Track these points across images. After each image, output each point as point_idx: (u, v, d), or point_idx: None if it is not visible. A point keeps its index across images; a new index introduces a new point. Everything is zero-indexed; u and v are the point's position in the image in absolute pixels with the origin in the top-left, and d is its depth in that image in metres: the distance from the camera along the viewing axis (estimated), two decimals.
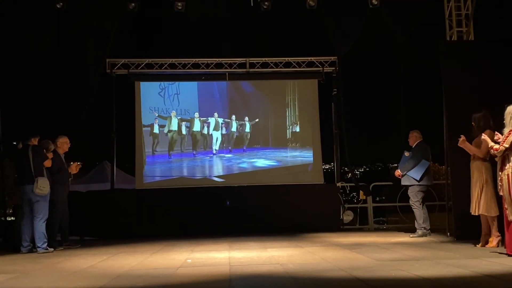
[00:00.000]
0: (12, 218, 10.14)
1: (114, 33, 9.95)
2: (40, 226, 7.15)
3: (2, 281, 4.65)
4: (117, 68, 11.73)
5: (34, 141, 7.45)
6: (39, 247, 7.12)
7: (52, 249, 7.25)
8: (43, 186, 7.16)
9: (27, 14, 9.36)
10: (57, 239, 7.85)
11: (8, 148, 8.32)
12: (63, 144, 8.03)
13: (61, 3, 9.24)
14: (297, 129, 12.21)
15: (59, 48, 10.90)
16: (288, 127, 12.20)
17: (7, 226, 8.92)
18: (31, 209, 7.22)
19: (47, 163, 7.41)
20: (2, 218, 8.97)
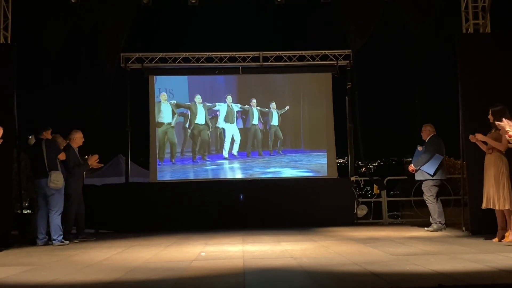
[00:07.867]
0: (28, 211, 10.27)
1: (128, 28, 9.98)
2: (56, 219, 7.21)
3: (18, 273, 4.70)
4: (131, 62, 11.78)
5: (47, 135, 7.48)
6: (54, 240, 7.18)
7: (67, 242, 7.32)
8: (56, 179, 7.21)
9: (42, 10, 9.41)
10: (73, 232, 7.93)
11: (24, 142, 8.40)
12: (78, 138, 8.08)
13: None
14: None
15: (74, 42, 10.96)
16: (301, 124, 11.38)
17: (24, 219, 9.03)
18: (46, 203, 7.29)
19: (61, 156, 7.47)
20: (19, 211, 9.08)
